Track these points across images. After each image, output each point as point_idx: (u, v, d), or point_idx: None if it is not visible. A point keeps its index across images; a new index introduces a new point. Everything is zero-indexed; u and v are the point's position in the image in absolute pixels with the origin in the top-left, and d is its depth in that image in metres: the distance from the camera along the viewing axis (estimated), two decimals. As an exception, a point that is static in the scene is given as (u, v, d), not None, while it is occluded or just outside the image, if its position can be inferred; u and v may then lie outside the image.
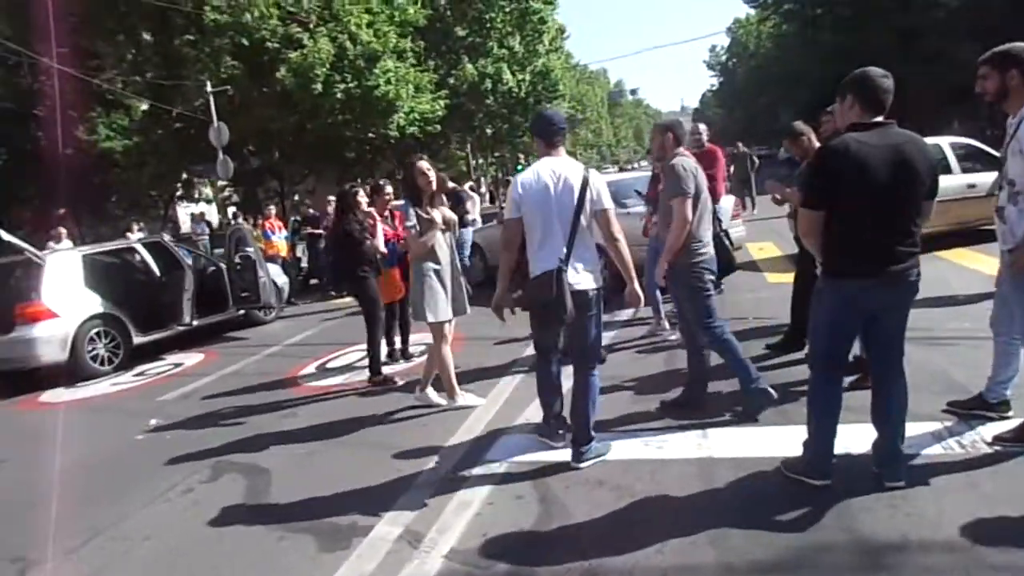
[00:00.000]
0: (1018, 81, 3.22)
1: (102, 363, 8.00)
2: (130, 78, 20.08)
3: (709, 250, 4.33)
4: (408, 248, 5.07)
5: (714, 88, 76.12)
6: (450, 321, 4.97)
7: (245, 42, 18.30)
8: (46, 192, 24.68)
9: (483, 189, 35.46)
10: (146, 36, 19.90)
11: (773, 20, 39.31)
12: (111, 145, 22.68)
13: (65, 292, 7.81)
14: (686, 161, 4.28)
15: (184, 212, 32.55)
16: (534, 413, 4.53)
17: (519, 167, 44.40)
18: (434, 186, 4.84)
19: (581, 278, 3.71)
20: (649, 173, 7.69)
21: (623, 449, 3.97)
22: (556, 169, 3.74)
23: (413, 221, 4.76)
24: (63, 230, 13.56)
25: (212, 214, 26.01)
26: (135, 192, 24.70)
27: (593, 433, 3.87)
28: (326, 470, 4.31)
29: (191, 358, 8.43)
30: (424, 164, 4.85)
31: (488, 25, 30.80)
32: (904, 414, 3.20)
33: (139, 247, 9.06)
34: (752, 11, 44.08)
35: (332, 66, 18.80)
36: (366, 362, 6.94)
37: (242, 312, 9.65)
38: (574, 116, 49.38)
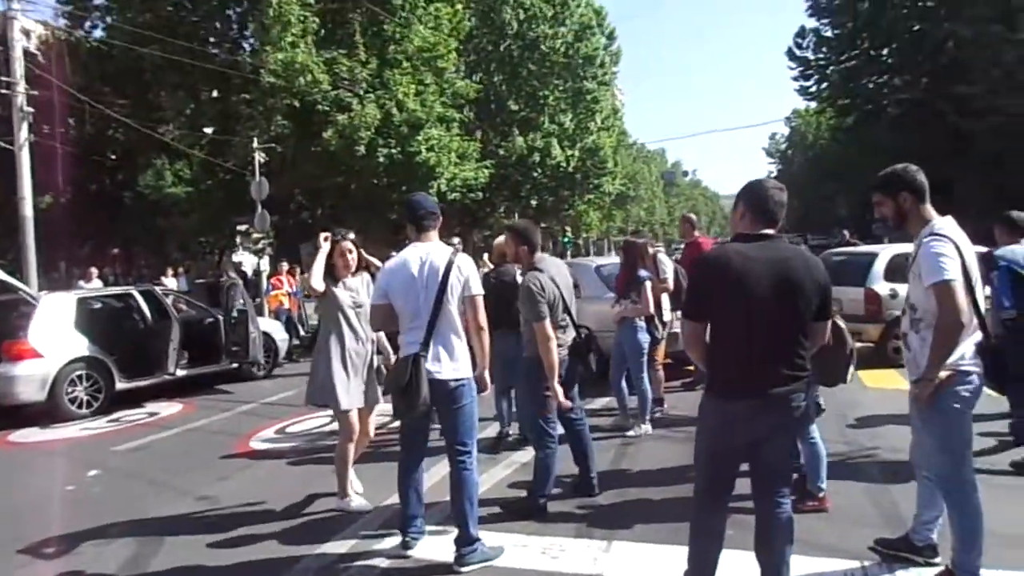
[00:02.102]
0: (911, 203, 3.03)
1: (80, 406, 8.07)
2: (187, 132, 21.19)
3: (562, 352, 4.24)
4: None
5: (773, 175, 75.76)
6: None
7: (297, 104, 19.11)
8: (102, 232, 26.15)
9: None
10: (206, 93, 21.09)
11: (829, 113, 39.11)
12: (175, 191, 23.98)
13: (53, 333, 7.98)
14: (539, 278, 4.17)
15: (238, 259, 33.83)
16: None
17: (565, 239, 44.78)
18: (352, 268, 4.56)
19: (443, 367, 3.54)
20: None
21: (516, 556, 3.69)
22: (423, 255, 3.62)
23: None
24: (94, 270, 14.15)
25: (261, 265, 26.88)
26: (186, 237, 25.84)
27: (476, 534, 3.60)
28: (218, 546, 4.13)
29: (169, 408, 8.45)
30: (348, 244, 4.53)
31: (541, 102, 31.63)
32: (789, 549, 2.88)
33: (136, 294, 9.27)
34: (812, 103, 43.99)
35: (377, 130, 19.43)
36: (327, 428, 6.88)
37: (235, 365, 9.71)
38: (625, 194, 49.62)
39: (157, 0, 19.73)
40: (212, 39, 21.54)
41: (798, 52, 35.56)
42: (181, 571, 3.83)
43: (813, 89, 36.26)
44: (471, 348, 3.74)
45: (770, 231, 2.80)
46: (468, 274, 3.63)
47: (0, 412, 8.12)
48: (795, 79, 36.09)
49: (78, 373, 8.09)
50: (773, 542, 2.85)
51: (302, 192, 22.44)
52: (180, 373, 9.02)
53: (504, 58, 31.06)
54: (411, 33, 20.33)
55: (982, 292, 3.09)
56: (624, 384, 6.14)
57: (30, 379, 7.73)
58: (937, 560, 3.25)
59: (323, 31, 19.62)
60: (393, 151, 19.81)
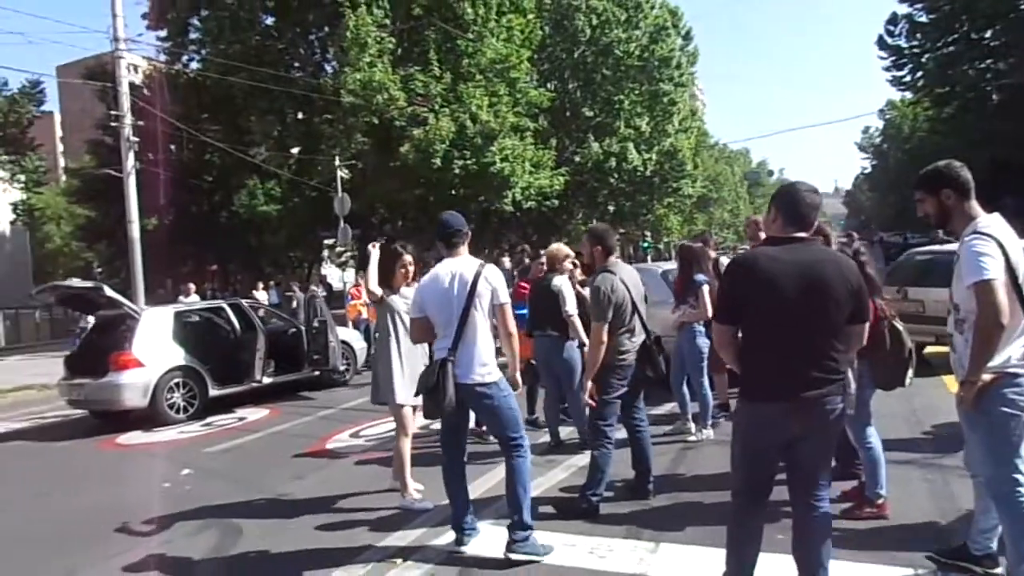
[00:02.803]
0: (955, 200, 2.94)
1: (178, 411, 8.74)
2: (275, 153, 22.46)
3: (628, 357, 4.34)
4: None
5: (867, 171, 72.19)
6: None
7: (375, 120, 19.87)
8: (201, 250, 28.04)
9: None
10: (291, 116, 22.29)
11: (925, 103, 36.97)
12: (267, 209, 25.47)
13: (154, 345, 8.71)
14: (611, 280, 4.24)
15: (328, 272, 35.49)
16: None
17: (645, 245, 44.22)
18: (409, 279, 4.97)
19: (469, 371, 3.73)
20: None
21: (564, 554, 3.80)
22: (452, 269, 3.85)
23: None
24: (192, 286, 15.23)
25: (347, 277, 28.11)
26: (276, 253, 27.36)
27: (529, 521, 3.75)
28: (293, 535, 4.48)
29: (257, 413, 9.02)
30: (408, 258, 4.98)
31: (617, 107, 31.45)
32: (826, 551, 2.85)
33: (227, 307, 9.98)
34: (907, 94, 41.64)
35: (452, 143, 19.94)
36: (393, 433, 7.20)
37: (317, 372, 10.23)
38: (707, 196, 48.59)
39: (246, 31, 21.08)
40: (296, 64, 22.80)
41: (890, 40, 33.83)
42: (259, 555, 4.22)
43: (907, 79, 34.35)
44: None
45: (802, 234, 2.81)
46: (495, 284, 3.83)
47: (108, 417, 8.96)
48: (887, 69, 34.36)
49: (176, 381, 8.77)
50: (809, 542, 2.85)
51: (382, 206, 23.32)
52: (267, 380, 9.60)
53: (578, 65, 31.09)
54: (483, 46, 20.78)
55: None
56: (686, 389, 6.13)
57: (134, 387, 8.45)
58: (997, 571, 3.14)
59: (399, 50, 20.37)
60: (468, 162, 20.29)
